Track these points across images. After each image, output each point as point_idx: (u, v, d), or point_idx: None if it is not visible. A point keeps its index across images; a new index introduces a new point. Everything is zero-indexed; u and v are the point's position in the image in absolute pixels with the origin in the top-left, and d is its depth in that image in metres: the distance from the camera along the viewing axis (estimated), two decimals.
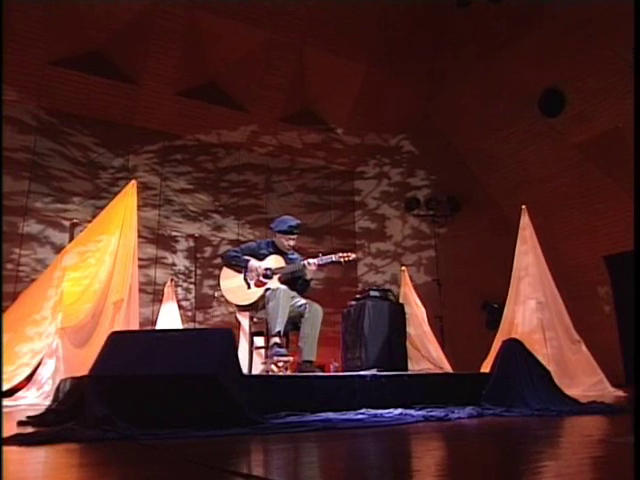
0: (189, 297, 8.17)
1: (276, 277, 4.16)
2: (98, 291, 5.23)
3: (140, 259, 8.07)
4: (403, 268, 7.12)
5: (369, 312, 4.75)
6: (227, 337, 2.51)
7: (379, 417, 2.75)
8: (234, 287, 4.14)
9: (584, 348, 5.86)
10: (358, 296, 5.11)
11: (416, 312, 6.31)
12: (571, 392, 5.50)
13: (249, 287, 4.13)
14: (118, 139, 8.21)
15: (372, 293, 5.00)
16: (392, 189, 9.72)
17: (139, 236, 8.20)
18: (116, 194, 7.68)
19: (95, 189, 7.87)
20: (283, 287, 4.02)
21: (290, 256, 4.32)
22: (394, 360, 4.67)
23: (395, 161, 9.78)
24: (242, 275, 4.17)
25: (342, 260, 4.19)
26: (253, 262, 4.16)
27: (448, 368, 5.79)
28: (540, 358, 6.24)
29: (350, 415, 2.86)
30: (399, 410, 3.05)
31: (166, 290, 6.15)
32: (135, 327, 5.59)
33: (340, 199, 9.86)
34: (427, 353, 5.93)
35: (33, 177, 7.54)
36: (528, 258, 6.33)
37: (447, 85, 8.86)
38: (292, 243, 4.26)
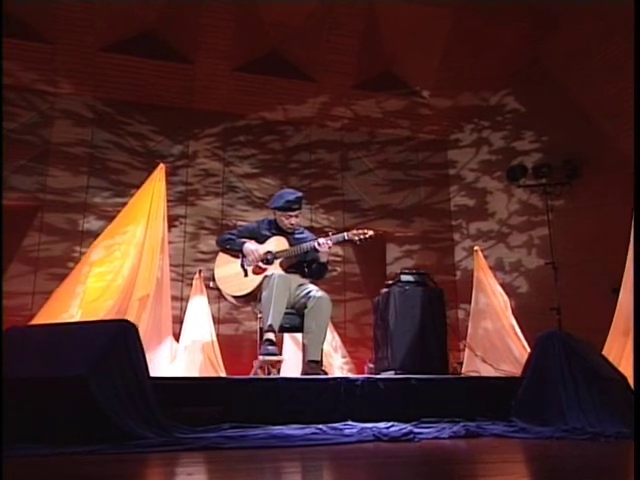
0: None
1: (278, 262, 3.82)
2: (121, 286, 5.25)
3: (203, 252, 8.17)
4: (476, 248, 6.36)
5: (395, 302, 4.18)
6: (113, 332, 2.23)
7: (327, 434, 2.30)
8: (229, 275, 3.88)
9: None
10: (390, 282, 4.54)
11: (493, 302, 5.54)
12: None
13: (246, 275, 3.84)
14: (176, 124, 8.35)
15: (402, 278, 4.40)
16: (494, 157, 8.82)
17: (202, 227, 8.35)
18: (172, 184, 7.88)
19: None
20: (279, 273, 3.68)
21: (296, 236, 3.96)
22: (427, 360, 4.06)
23: (497, 123, 8.87)
24: (240, 261, 3.89)
25: (357, 238, 3.74)
26: (249, 245, 3.86)
27: None
28: None
29: (302, 430, 2.45)
30: (377, 425, 2.57)
31: (194, 283, 6.04)
32: (167, 326, 5.58)
33: (430, 174, 9.16)
34: (507, 351, 5.17)
35: (91, 171, 7.92)
36: None
37: (560, 20, 7.78)
38: (294, 221, 3.89)
